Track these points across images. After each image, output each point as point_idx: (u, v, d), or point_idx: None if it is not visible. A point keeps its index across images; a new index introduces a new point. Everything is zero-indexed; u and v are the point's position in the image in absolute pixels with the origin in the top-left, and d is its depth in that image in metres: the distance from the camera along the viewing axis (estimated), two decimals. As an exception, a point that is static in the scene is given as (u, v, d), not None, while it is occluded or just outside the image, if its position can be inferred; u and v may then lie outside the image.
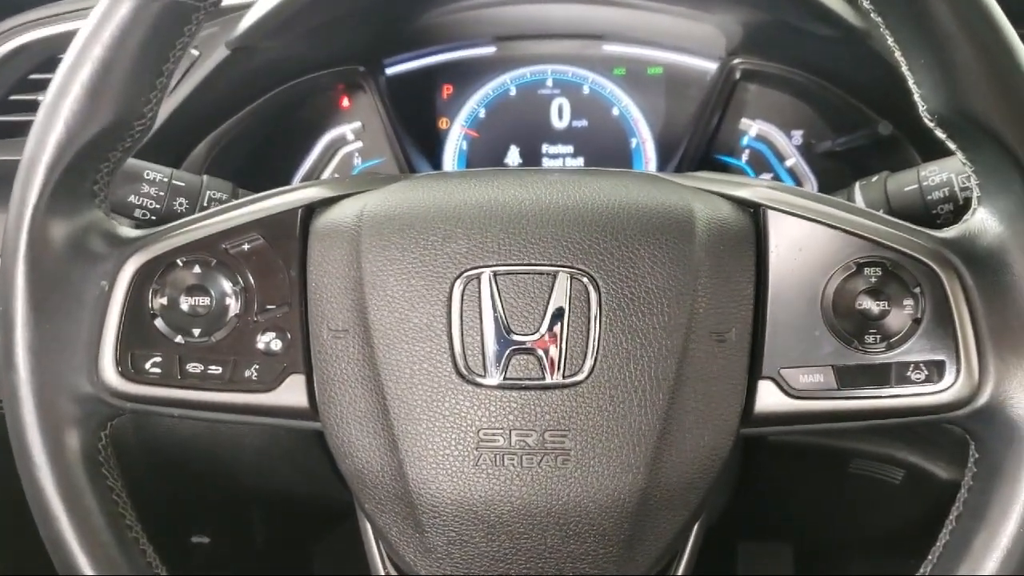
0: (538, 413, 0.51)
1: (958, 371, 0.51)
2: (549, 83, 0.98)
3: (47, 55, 0.87)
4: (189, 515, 1.13)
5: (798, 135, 0.91)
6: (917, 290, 0.52)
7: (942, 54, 0.49)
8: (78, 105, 0.52)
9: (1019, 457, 0.49)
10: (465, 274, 0.52)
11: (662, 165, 0.95)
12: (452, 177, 0.60)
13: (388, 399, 0.52)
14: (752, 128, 0.92)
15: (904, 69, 0.51)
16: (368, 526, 0.56)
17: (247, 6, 0.82)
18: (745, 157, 0.93)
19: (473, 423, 0.51)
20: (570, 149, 0.99)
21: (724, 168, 0.93)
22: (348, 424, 0.53)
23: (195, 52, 0.82)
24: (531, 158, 0.99)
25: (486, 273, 0.52)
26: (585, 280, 0.51)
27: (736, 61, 0.88)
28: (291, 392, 0.56)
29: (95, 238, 0.54)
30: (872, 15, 0.51)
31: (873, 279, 0.52)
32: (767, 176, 0.92)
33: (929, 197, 0.66)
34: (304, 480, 0.96)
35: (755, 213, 0.55)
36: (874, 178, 0.70)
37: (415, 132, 0.97)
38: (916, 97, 0.51)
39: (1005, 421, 0.50)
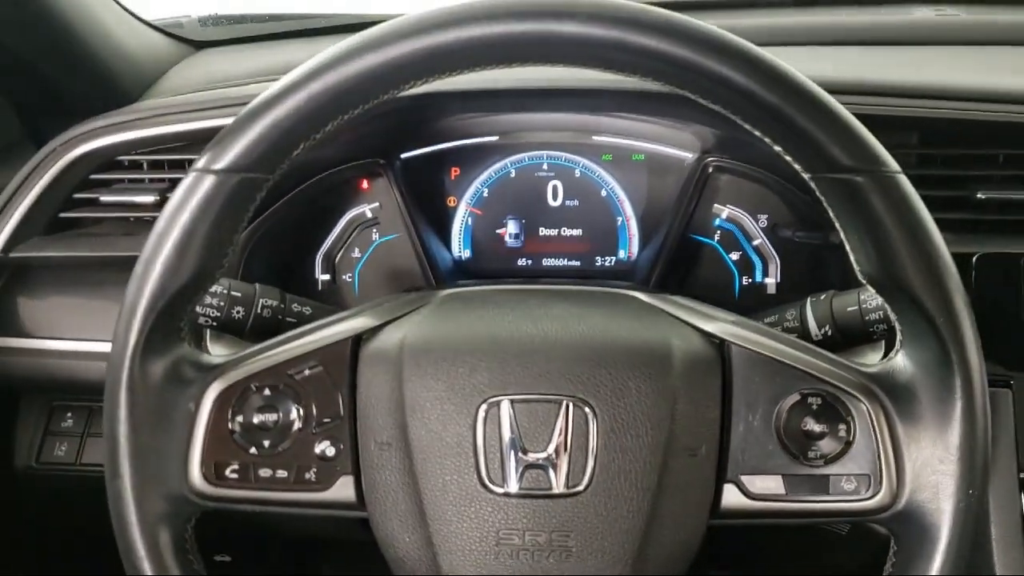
0: (547, 517, 0.63)
1: (880, 482, 0.63)
2: (545, 167, 1.08)
3: (105, 159, 0.97)
4: (218, 539, 1.24)
5: (764, 219, 1.02)
6: (849, 417, 0.64)
7: (875, 232, 0.61)
8: (168, 263, 0.62)
9: (929, 554, 0.62)
10: (488, 400, 0.64)
11: (644, 241, 1.06)
12: (474, 306, 0.72)
13: (424, 503, 0.63)
14: (723, 212, 1.02)
15: (841, 236, 0.63)
16: None
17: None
18: (717, 237, 1.03)
19: (494, 525, 0.63)
20: (563, 226, 1.08)
21: (698, 246, 1.03)
22: (391, 520, 0.65)
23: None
24: (529, 233, 1.09)
25: (505, 400, 0.64)
26: (586, 409, 0.63)
27: (710, 159, 0.99)
28: (343, 490, 0.67)
29: (184, 367, 0.65)
30: (816, 192, 0.63)
31: (815, 407, 0.64)
32: (736, 255, 1.03)
33: (867, 318, 0.78)
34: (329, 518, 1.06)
35: (721, 345, 0.67)
36: (822, 296, 0.82)
37: (426, 210, 1.07)
38: (851, 259, 0.63)
39: (919, 523, 0.62)
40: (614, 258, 1.07)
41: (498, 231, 1.10)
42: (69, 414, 1.02)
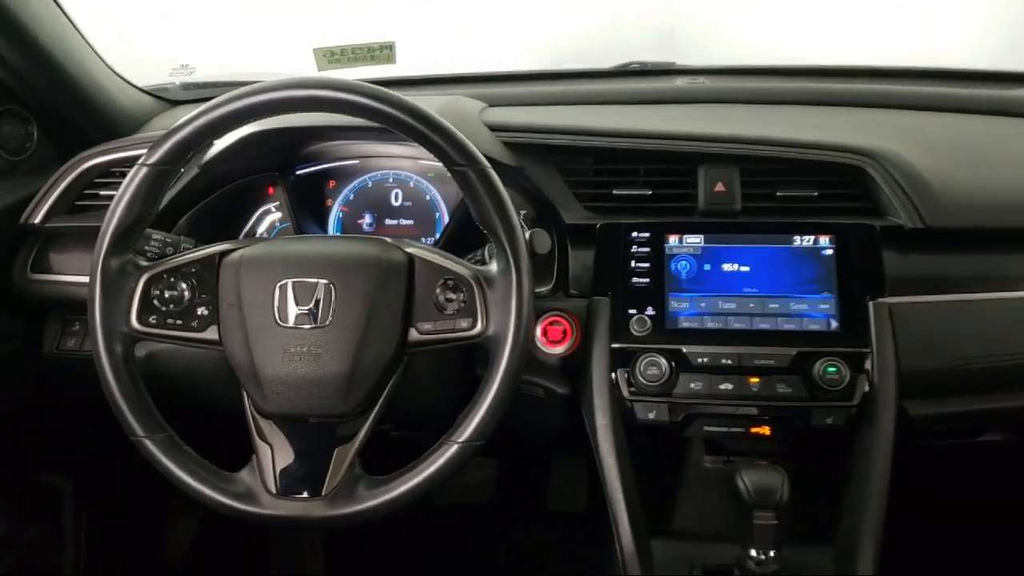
0: (308, 338, 1.09)
1: (478, 322, 1.12)
2: (391, 180, 1.55)
3: (103, 170, 1.45)
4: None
5: (523, 213, 1.41)
6: (464, 290, 1.13)
7: (477, 199, 1.10)
8: (122, 211, 1.12)
9: (501, 351, 1.08)
10: (280, 282, 1.11)
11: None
12: (286, 241, 1.25)
13: (248, 334, 1.13)
14: None
15: (468, 200, 1.16)
16: (244, 393, 1.17)
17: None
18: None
19: (281, 342, 1.12)
20: (401, 218, 1.54)
21: (481, 233, 1.50)
22: (233, 345, 1.14)
23: (182, 170, 1.36)
24: (379, 223, 1.55)
25: (290, 282, 1.11)
26: (331, 285, 1.12)
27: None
28: (211, 333, 1.14)
29: (129, 265, 1.13)
30: (453, 178, 1.15)
31: (450, 285, 1.14)
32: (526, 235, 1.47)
33: None
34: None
35: (411, 258, 1.15)
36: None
37: (311, 208, 1.54)
38: (472, 214, 1.14)
39: (496, 340, 1.10)
40: (432, 238, 1.52)
41: (359, 221, 1.56)
42: (76, 323, 1.49)
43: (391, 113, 1.11)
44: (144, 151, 1.17)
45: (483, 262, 1.27)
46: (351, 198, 1.59)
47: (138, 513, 1.96)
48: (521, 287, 1.12)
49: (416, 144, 1.14)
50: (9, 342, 1.50)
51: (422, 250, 1.18)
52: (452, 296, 1.15)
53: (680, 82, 1.85)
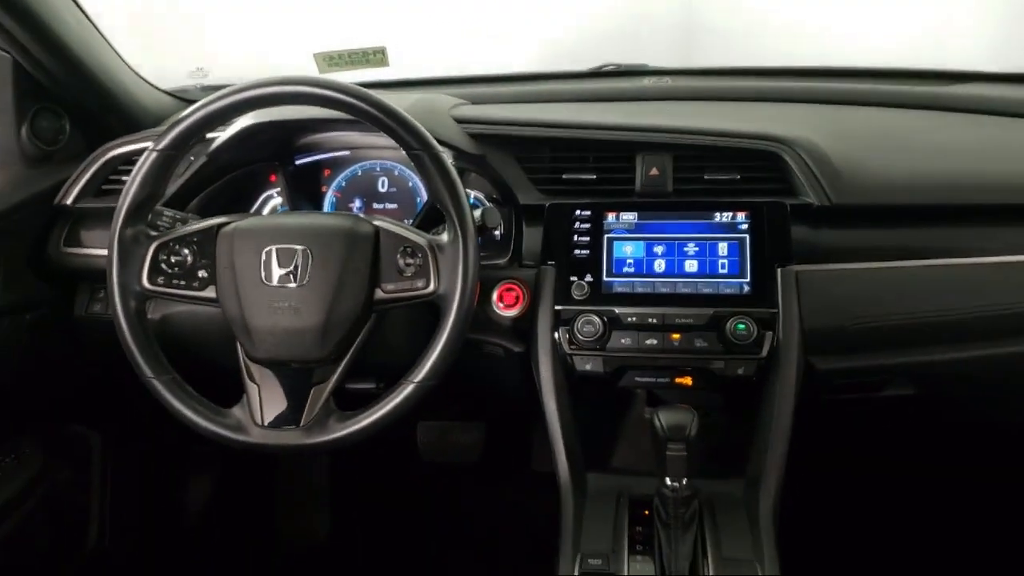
0: (289, 295, 1.31)
1: (431, 282, 1.32)
2: (377, 168, 1.73)
3: (125, 159, 1.61)
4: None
5: (482, 195, 1.65)
6: (420, 255, 1.34)
7: (431, 180, 1.31)
8: (136, 188, 1.34)
9: (449, 312, 1.27)
10: (266, 248, 1.32)
11: (428, 210, 1.75)
12: (272, 215, 1.49)
13: (239, 292, 1.34)
14: (470, 194, 1.70)
15: (423, 180, 1.39)
16: (238, 343, 1.41)
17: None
18: (465, 205, 1.74)
19: (267, 298, 1.32)
20: (387, 202, 1.72)
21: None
22: (228, 301, 1.35)
23: (192, 158, 1.58)
24: (367, 207, 1.72)
25: (274, 247, 1.34)
26: (306, 250, 1.33)
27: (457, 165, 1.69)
28: (210, 292, 1.32)
29: (141, 235, 1.37)
30: (412, 161, 1.38)
31: (408, 251, 1.34)
32: (476, 212, 1.70)
33: None
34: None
35: (376, 229, 1.36)
36: None
37: (307, 193, 1.72)
38: (427, 191, 1.39)
39: (446, 298, 1.30)
40: (411, 219, 1.62)
41: (350, 205, 1.74)
42: (102, 291, 1.69)
43: (357, 105, 1.31)
44: None
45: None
46: (343, 185, 1.77)
47: (158, 470, 2.20)
48: (467, 253, 1.32)
49: None
50: (46, 307, 1.73)
51: (385, 222, 1.39)
52: (410, 261, 1.34)
53: (647, 82, 2.04)
